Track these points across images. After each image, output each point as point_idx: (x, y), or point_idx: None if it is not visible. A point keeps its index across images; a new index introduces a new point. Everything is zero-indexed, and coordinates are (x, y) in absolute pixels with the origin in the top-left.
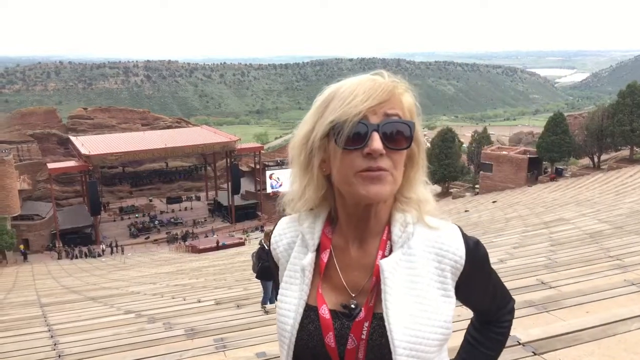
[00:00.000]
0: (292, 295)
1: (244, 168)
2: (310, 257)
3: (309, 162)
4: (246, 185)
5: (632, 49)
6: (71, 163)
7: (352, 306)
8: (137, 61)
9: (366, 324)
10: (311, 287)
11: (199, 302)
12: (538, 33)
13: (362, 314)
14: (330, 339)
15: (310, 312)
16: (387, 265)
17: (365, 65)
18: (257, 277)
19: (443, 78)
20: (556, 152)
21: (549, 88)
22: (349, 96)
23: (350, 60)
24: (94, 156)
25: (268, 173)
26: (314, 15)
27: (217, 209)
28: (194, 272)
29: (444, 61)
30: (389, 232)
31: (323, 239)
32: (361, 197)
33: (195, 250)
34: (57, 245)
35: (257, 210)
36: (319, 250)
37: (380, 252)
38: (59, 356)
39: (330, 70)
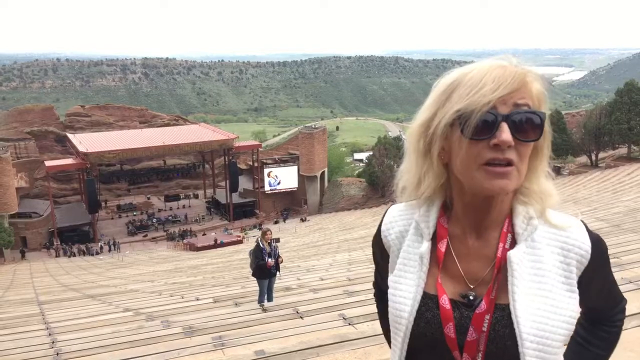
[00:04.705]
0: (408, 283)
1: (242, 166)
2: (427, 245)
3: (428, 150)
4: (244, 183)
5: (630, 48)
6: (69, 161)
7: (471, 297)
8: (134, 58)
9: (487, 317)
10: (427, 276)
11: (197, 300)
12: (536, 31)
13: (483, 306)
14: (450, 330)
15: (427, 301)
16: (515, 257)
17: (363, 63)
18: (253, 274)
19: (441, 75)
20: (554, 150)
21: (547, 86)
22: (477, 84)
23: (349, 58)
24: (92, 154)
25: (266, 171)
26: (312, 13)
27: (215, 207)
28: (192, 270)
29: (441, 59)
30: (510, 224)
31: (439, 229)
32: (483, 190)
33: (194, 248)
34: (54, 243)
35: (255, 208)
36: (434, 240)
37: (502, 244)
38: (57, 354)
39: (328, 67)
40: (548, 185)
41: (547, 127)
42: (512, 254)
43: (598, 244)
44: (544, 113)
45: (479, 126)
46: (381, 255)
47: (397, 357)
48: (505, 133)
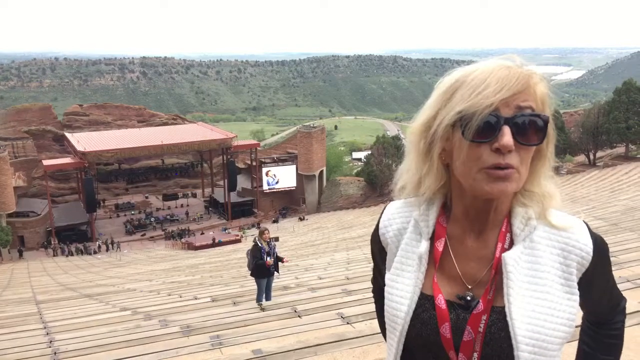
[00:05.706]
0: (406, 283)
1: (241, 165)
2: (426, 245)
3: (429, 151)
4: (242, 182)
5: (629, 47)
6: (67, 160)
7: (468, 298)
8: (133, 58)
9: (484, 317)
10: (425, 276)
11: (195, 299)
12: (534, 30)
13: (480, 307)
14: (445, 330)
15: (424, 301)
16: (510, 259)
17: (362, 62)
18: (251, 274)
19: (440, 75)
20: None
21: (551, 88)
22: (479, 85)
23: (347, 57)
24: (90, 153)
25: (264, 170)
26: (311, 11)
27: (213, 206)
28: (190, 270)
29: (440, 58)
30: (509, 224)
31: (437, 228)
32: (484, 193)
33: (192, 247)
34: (52, 243)
35: (253, 207)
36: (433, 239)
37: (500, 245)
38: (55, 353)
39: (326, 67)
40: (550, 187)
41: (551, 130)
42: (507, 256)
43: (600, 246)
44: (547, 116)
45: (481, 128)
46: (379, 253)
47: (392, 356)
48: (506, 136)
